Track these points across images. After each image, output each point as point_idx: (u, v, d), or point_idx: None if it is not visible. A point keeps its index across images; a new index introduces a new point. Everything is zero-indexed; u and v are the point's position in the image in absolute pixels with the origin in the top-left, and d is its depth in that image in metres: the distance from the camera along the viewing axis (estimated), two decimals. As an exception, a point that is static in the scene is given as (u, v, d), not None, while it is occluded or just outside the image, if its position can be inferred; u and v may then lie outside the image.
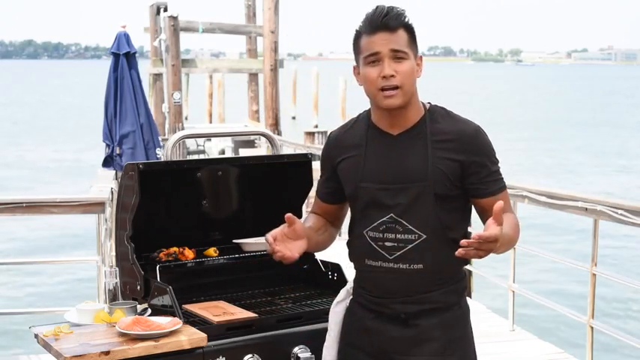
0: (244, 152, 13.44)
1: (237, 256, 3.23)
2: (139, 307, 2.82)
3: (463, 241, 2.18)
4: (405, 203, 2.41)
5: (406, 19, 2.44)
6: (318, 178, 2.70)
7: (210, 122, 24.00)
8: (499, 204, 2.20)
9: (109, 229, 5.79)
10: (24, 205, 5.53)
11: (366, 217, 2.48)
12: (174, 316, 2.66)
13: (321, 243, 2.64)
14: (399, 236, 2.43)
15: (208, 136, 3.98)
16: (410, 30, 2.45)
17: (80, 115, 44.16)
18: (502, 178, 2.49)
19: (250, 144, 14.55)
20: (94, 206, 5.67)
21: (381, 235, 2.45)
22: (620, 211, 5.02)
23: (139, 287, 2.92)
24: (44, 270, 12.03)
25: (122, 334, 2.52)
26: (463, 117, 2.51)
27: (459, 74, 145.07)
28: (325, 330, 2.68)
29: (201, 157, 14.60)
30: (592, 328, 5.30)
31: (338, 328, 2.61)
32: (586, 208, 5.33)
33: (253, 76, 18.45)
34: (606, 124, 42.07)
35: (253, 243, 3.25)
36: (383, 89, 2.40)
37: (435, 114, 2.49)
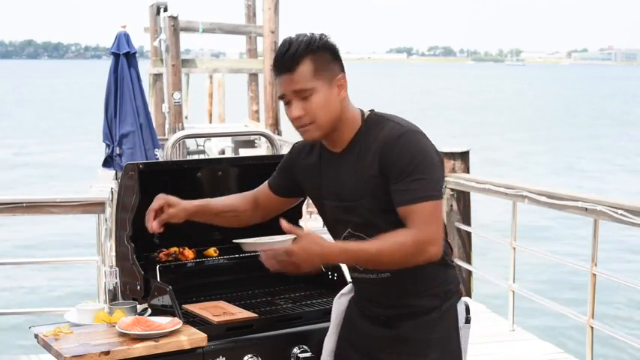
0: (244, 152, 13.44)
1: (237, 256, 3.23)
2: (139, 307, 2.82)
3: (265, 255, 2.31)
4: (357, 219, 2.45)
5: (308, 50, 2.38)
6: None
7: (210, 122, 23.99)
8: (285, 225, 2.31)
9: (109, 229, 5.79)
10: (24, 205, 5.53)
11: (333, 231, 2.58)
12: (174, 316, 2.66)
13: (220, 220, 2.80)
14: None
15: (208, 136, 3.98)
16: (316, 58, 2.38)
17: (80, 115, 44.15)
18: (422, 188, 2.31)
19: (250, 144, 14.55)
20: (94, 206, 5.67)
21: None
22: (620, 211, 5.02)
23: (138, 287, 2.92)
24: (44, 270, 12.03)
25: (122, 334, 2.52)
26: (397, 120, 2.42)
27: (459, 74, 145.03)
28: (325, 330, 2.70)
29: (201, 157, 14.59)
30: (592, 328, 5.30)
31: (338, 320, 2.67)
32: (586, 208, 5.33)
33: (253, 76, 18.44)
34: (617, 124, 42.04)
35: (253, 243, 3.24)
36: (299, 127, 2.44)
37: (370, 124, 2.44)
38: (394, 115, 2.48)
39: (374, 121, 2.44)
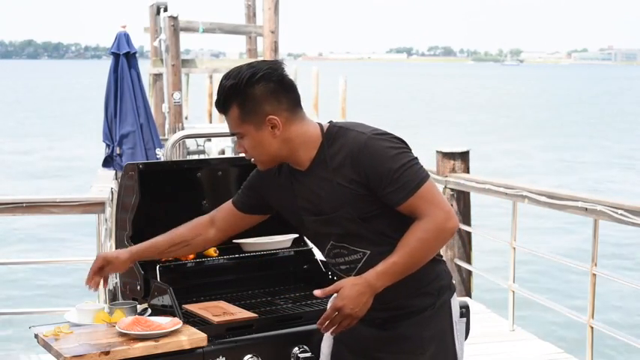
0: (244, 152, 13.41)
1: (237, 256, 3.23)
2: (139, 307, 2.82)
3: (319, 324, 2.38)
4: (337, 230, 2.48)
5: (233, 95, 2.40)
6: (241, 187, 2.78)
7: (210, 122, 23.99)
8: (318, 292, 2.37)
9: (109, 229, 5.79)
10: (24, 205, 5.53)
11: (317, 245, 2.64)
12: (174, 316, 2.66)
13: (171, 254, 2.83)
14: (347, 258, 2.53)
15: (208, 136, 3.98)
16: (241, 103, 2.40)
17: (80, 115, 44.14)
18: (409, 179, 2.35)
19: (250, 144, 14.51)
20: (94, 206, 5.67)
21: (334, 260, 2.58)
22: (620, 211, 5.02)
23: (138, 287, 2.92)
24: (44, 270, 12.03)
25: (122, 334, 2.52)
26: (358, 129, 2.43)
27: (459, 74, 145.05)
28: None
29: (201, 157, 14.58)
30: (592, 328, 5.30)
31: None
32: (586, 208, 5.33)
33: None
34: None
35: (253, 243, 3.25)
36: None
37: (331, 136, 2.45)
38: (353, 122, 2.50)
39: (334, 133, 2.45)
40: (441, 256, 2.59)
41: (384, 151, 2.36)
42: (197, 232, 2.77)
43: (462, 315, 2.62)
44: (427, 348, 2.48)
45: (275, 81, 2.42)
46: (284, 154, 2.46)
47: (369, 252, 2.47)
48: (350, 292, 2.35)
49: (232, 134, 2.49)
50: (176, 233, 2.77)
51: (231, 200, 2.78)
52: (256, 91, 2.40)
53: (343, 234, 2.48)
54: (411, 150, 2.42)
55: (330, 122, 2.51)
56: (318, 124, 2.51)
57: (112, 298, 2.84)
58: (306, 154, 2.46)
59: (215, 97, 2.50)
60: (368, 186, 2.37)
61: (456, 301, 2.60)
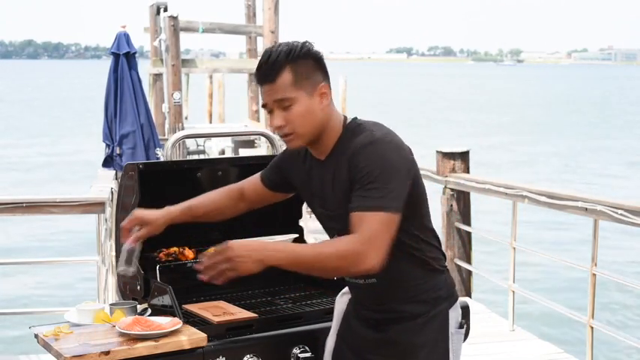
0: (244, 152, 13.44)
1: (237, 256, 3.22)
2: (139, 307, 2.82)
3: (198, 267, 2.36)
4: (340, 226, 2.44)
5: (288, 59, 2.38)
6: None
7: (210, 122, 23.99)
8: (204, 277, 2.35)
9: (109, 229, 5.79)
10: (24, 205, 5.53)
11: (327, 234, 2.63)
12: (174, 316, 2.66)
13: (204, 220, 2.84)
14: None
15: (208, 136, 3.98)
16: (296, 68, 2.38)
17: (80, 115, 44.15)
18: (377, 198, 2.28)
19: (250, 144, 14.54)
20: (94, 206, 5.67)
21: None
22: (620, 211, 5.02)
23: (138, 287, 2.92)
24: (44, 270, 12.03)
25: (122, 334, 2.52)
26: (373, 129, 2.40)
27: (459, 74, 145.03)
28: (325, 330, 2.71)
29: (201, 157, 14.59)
30: (592, 328, 5.30)
31: (338, 318, 2.70)
32: (586, 208, 5.33)
33: (253, 76, 18.43)
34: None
35: (253, 243, 3.24)
36: (281, 136, 2.46)
37: (348, 131, 2.45)
38: (375, 122, 2.47)
39: (352, 129, 2.45)
40: (444, 267, 2.56)
41: (378, 158, 2.31)
42: (231, 203, 2.81)
43: (460, 326, 2.57)
44: (417, 355, 2.48)
45: (319, 58, 2.45)
46: (321, 131, 2.44)
47: None
48: (247, 242, 2.35)
49: (276, 101, 2.39)
50: (212, 200, 2.81)
51: (259, 174, 2.80)
52: (310, 59, 2.42)
53: (343, 231, 2.44)
54: (403, 175, 2.34)
55: (354, 118, 2.51)
56: (343, 116, 2.51)
57: (128, 258, 2.77)
58: (329, 141, 2.46)
59: (256, 70, 2.45)
60: (355, 183, 2.34)
61: (457, 312, 2.56)
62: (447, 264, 2.60)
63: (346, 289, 2.72)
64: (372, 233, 2.27)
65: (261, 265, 2.30)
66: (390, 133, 2.41)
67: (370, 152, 2.33)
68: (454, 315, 2.55)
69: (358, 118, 2.51)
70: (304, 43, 2.45)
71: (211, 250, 3.20)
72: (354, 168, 2.35)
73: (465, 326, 2.60)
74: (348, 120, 2.49)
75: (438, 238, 2.56)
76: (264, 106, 2.46)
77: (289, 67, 2.38)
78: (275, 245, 2.38)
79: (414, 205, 2.41)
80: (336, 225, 2.49)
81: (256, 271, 2.31)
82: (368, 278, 2.49)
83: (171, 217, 2.76)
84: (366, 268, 2.28)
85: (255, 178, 2.82)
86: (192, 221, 2.84)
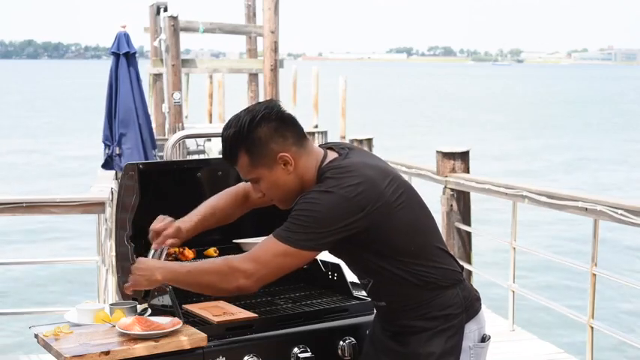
0: (244, 152, 13.41)
1: (237, 256, 3.22)
2: (139, 307, 2.82)
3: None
4: (342, 259, 2.61)
5: (238, 143, 2.42)
6: None
7: (210, 122, 23.98)
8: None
9: (109, 229, 5.79)
10: (24, 205, 5.54)
11: None
12: (174, 316, 2.66)
13: (215, 226, 2.87)
14: (360, 281, 2.62)
15: (208, 136, 3.98)
16: (249, 149, 2.42)
17: (80, 115, 44.14)
18: (284, 229, 2.37)
19: (250, 144, 14.53)
20: (94, 206, 5.67)
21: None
22: (620, 211, 5.02)
23: (139, 287, 2.91)
24: (44, 270, 12.03)
25: (122, 334, 2.52)
26: (332, 178, 2.39)
27: (459, 74, 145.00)
28: (325, 330, 2.74)
29: (201, 157, 14.58)
30: (592, 328, 5.30)
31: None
32: (586, 208, 5.33)
33: (253, 76, 18.43)
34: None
35: (253, 243, 3.24)
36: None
37: (320, 179, 2.45)
38: (348, 167, 2.42)
39: (321, 176, 2.45)
40: (457, 280, 2.52)
41: (309, 201, 2.36)
42: (238, 207, 2.85)
43: (483, 339, 2.56)
44: None
45: (275, 119, 2.44)
46: (300, 189, 2.47)
47: (372, 280, 2.53)
48: (139, 265, 2.55)
49: (246, 180, 2.54)
50: (220, 210, 2.82)
51: None
52: (260, 133, 2.42)
53: (346, 263, 2.60)
54: (326, 232, 2.36)
55: (340, 151, 2.51)
56: (323, 152, 2.51)
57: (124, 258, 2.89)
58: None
59: (222, 154, 2.51)
60: None
61: (478, 324, 2.55)
62: (461, 274, 2.58)
63: None
64: (261, 256, 2.40)
65: (151, 281, 2.52)
66: (350, 185, 2.37)
67: (308, 196, 2.38)
68: (474, 328, 2.54)
69: (331, 158, 2.49)
70: (259, 109, 2.44)
71: (211, 250, 3.22)
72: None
73: (488, 339, 2.59)
74: (326, 158, 2.49)
75: (444, 252, 2.54)
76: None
77: (243, 150, 2.44)
78: (164, 264, 2.56)
79: (388, 238, 2.42)
80: (339, 257, 2.61)
81: (150, 287, 2.62)
82: (379, 301, 2.57)
83: (189, 231, 2.78)
84: (237, 286, 2.40)
85: None
86: (204, 231, 2.86)
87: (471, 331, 2.52)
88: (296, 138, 2.46)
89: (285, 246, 2.37)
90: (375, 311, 2.70)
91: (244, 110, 2.47)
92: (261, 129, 2.42)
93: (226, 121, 2.53)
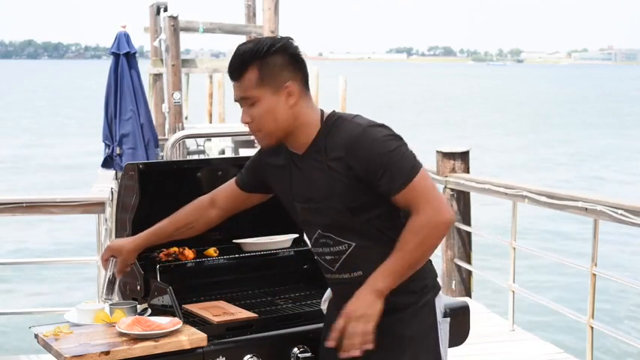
0: (244, 152, 13.43)
1: (237, 256, 3.23)
2: (139, 307, 2.82)
3: (330, 343, 2.37)
4: (324, 220, 2.48)
5: (255, 57, 2.40)
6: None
7: (210, 122, 24.00)
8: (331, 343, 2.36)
9: (109, 229, 5.79)
10: (24, 205, 5.53)
11: (306, 233, 2.63)
12: (174, 316, 2.66)
13: (176, 237, 2.84)
14: (332, 249, 2.52)
15: (208, 136, 3.98)
16: (263, 66, 2.40)
17: (80, 115, 44.14)
18: (403, 170, 2.35)
19: (250, 144, 14.54)
20: (94, 206, 5.67)
21: (320, 250, 2.56)
22: (620, 211, 5.02)
23: (138, 287, 2.92)
24: (44, 270, 12.03)
25: (122, 334, 2.52)
26: (356, 120, 2.43)
27: (459, 74, 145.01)
28: (325, 330, 2.70)
29: (201, 157, 14.59)
30: (592, 328, 5.30)
31: (325, 327, 2.66)
32: (586, 208, 5.33)
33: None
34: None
35: (253, 243, 3.25)
36: (251, 133, 2.51)
37: (329, 126, 2.45)
38: (351, 114, 2.49)
39: (332, 122, 2.45)
40: None
41: (380, 141, 2.36)
42: (199, 214, 2.80)
43: (445, 315, 2.58)
44: (407, 347, 2.47)
45: (292, 54, 2.44)
46: (289, 129, 2.45)
47: (354, 244, 2.47)
48: (355, 301, 2.36)
49: (242, 98, 2.45)
50: (179, 217, 2.80)
51: (233, 179, 2.80)
52: (277, 58, 2.42)
53: (330, 224, 2.48)
54: (405, 142, 2.41)
55: (332, 112, 2.51)
56: (320, 110, 2.51)
57: (110, 287, 2.81)
58: (305, 136, 2.47)
59: (229, 64, 2.46)
60: (363, 176, 2.37)
61: (441, 300, 2.57)
62: (444, 263, 2.60)
63: (326, 295, 2.71)
64: (424, 197, 2.35)
65: (382, 299, 2.36)
66: (371, 120, 2.45)
67: (370, 138, 2.36)
68: (439, 304, 2.56)
69: (336, 111, 2.52)
70: (279, 39, 2.45)
71: (211, 250, 3.21)
72: (357, 161, 2.36)
73: (449, 315, 2.60)
74: (327, 114, 2.50)
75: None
76: (235, 101, 2.50)
77: (255, 66, 2.41)
78: (373, 279, 2.38)
79: None
80: (321, 219, 2.49)
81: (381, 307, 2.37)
82: (354, 271, 2.49)
83: (137, 243, 2.79)
84: (448, 224, 2.36)
85: (229, 182, 2.82)
86: (164, 241, 2.86)
87: (438, 306, 2.54)
88: (304, 81, 2.47)
89: (419, 173, 2.36)
90: (336, 291, 2.61)
91: (266, 37, 2.48)
92: (278, 56, 2.42)
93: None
